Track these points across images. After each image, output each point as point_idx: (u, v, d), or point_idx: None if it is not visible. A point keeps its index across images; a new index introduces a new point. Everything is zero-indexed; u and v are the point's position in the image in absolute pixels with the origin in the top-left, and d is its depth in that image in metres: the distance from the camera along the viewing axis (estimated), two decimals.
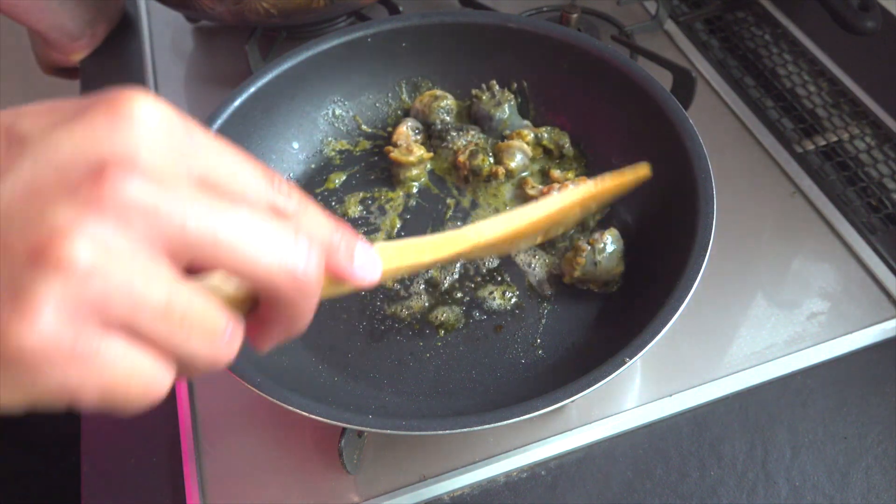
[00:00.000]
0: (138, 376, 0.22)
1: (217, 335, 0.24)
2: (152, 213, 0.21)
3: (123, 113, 0.22)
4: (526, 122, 0.62)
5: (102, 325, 0.20)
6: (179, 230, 0.21)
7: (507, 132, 0.61)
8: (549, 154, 0.60)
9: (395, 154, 0.59)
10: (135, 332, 0.21)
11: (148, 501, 0.51)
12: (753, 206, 0.60)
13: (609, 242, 0.50)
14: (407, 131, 0.61)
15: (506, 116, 0.61)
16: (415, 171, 0.60)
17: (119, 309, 0.20)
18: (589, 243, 0.50)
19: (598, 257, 0.50)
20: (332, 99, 0.63)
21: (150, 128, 0.22)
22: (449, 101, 0.62)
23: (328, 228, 0.27)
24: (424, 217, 0.59)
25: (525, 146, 0.59)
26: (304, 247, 0.24)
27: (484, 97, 0.61)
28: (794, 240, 0.58)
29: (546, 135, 0.60)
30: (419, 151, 0.59)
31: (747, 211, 0.60)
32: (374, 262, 0.29)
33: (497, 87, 0.61)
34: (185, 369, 0.24)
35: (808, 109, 0.68)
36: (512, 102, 0.61)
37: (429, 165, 0.61)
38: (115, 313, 0.20)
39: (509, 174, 0.58)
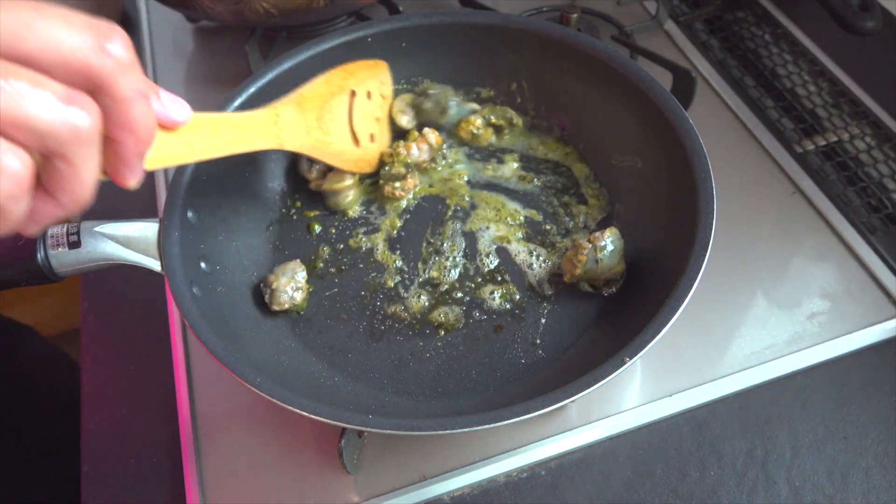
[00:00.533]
0: None
1: (50, 88, 0.24)
2: None
3: None
4: (473, 105, 0.63)
5: None
6: None
7: (455, 127, 0.62)
8: (499, 130, 0.62)
9: (327, 184, 0.59)
10: None
11: (148, 501, 0.51)
12: (753, 206, 0.60)
13: (610, 241, 0.50)
14: (319, 170, 0.60)
15: (454, 114, 0.62)
16: (349, 197, 0.59)
17: None
18: (590, 241, 0.50)
19: (600, 255, 0.50)
20: None
21: None
22: (408, 98, 0.63)
23: (139, 80, 0.28)
24: (425, 217, 0.59)
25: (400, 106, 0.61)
26: (82, 103, 0.25)
27: (427, 107, 0.61)
28: (793, 239, 0.58)
29: (491, 116, 0.61)
30: (349, 177, 0.59)
31: (747, 211, 0.60)
32: (182, 104, 0.34)
33: (432, 90, 0.62)
34: (42, 142, 0.24)
35: (808, 109, 0.68)
36: (451, 95, 0.62)
37: (356, 192, 0.60)
38: None
39: (411, 162, 0.60)
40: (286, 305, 0.52)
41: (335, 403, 0.44)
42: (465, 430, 0.39)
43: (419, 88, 0.63)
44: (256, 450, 0.51)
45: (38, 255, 0.44)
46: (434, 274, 0.55)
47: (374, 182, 0.60)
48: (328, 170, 0.59)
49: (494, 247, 0.56)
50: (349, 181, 0.59)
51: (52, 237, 0.45)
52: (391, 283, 0.55)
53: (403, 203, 0.59)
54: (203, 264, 0.50)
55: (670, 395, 0.51)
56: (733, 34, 0.75)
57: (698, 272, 0.43)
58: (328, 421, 0.40)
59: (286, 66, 0.58)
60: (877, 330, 0.53)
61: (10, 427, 0.77)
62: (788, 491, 0.47)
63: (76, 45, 0.24)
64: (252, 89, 0.56)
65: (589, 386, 0.39)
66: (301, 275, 0.53)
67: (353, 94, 0.57)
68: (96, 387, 0.56)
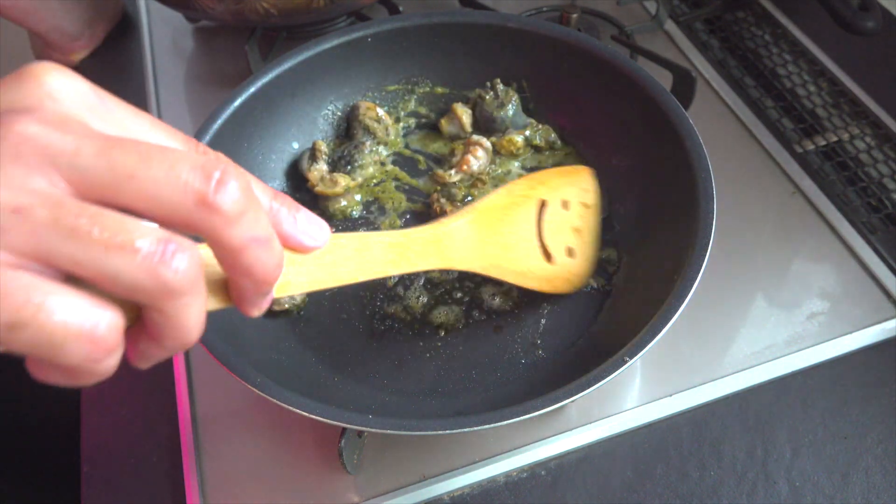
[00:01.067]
0: (68, 313, 0.21)
1: (134, 244, 0.21)
2: (45, 144, 0.21)
3: (31, 75, 0.23)
4: (530, 120, 0.62)
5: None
6: (72, 158, 0.21)
7: (494, 138, 0.61)
8: (539, 151, 0.61)
9: (319, 188, 0.58)
10: (46, 262, 0.21)
11: (148, 501, 0.51)
12: (753, 206, 0.60)
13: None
14: (321, 170, 0.59)
15: (510, 116, 0.61)
16: (343, 202, 0.59)
17: (15, 231, 0.20)
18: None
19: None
20: (331, 99, 0.63)
21: (55, 88, 0.23)
22: (382, 115, 0.63)
23: (265, 194, 0.26)
24: (425, 217, 0.59)
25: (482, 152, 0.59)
26: (217, 173, 0.22)
27: (487, 98, 0.61)
28: (794, 240, 0.58)
29: (537, 135, 0.60)
30: (343, 181, 0.58)
31: (747, 211, 0.60)
32: (320, 226, 0.29)
33: (501, 86, 0.61)
34: (132, 296, 0.22)
35: (808, 109, 0.68)
36: (516, 101, 0.61)
37: (357, 195, 0.60)
38: (9, 239, 0.20)
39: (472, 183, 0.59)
40: (286, 305, 0.52)
41: (335, 403, 0.44)
42: (465, 430, 0.39)
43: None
44: (256, 450, 0.51)
45: None
46: (434, 274, 0.55)
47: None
48: (331, 171, 0.59)
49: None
50: (341, 186, 0.58)
51: None
52: (391, 283, 0.55)
53: (402, 203, 0.59)
54: None
55: (670, 395, 0.51)
56: (733, 34, 0.75)
57: (698, 272, 0.43)
58: (328, 421, 0.40)
59: (286, 66, 0.58)
60: (877, 330, 0.53)
61: (10, 427, 0.77)
62: (788, 491, 0.47)
63: (177, 198, 0.22)
64: (252, 89, 0.56)
65: (589, 386, 0.39)
66: None
67: (543, 203, 0.50)
68: (96, 387, 0.56)
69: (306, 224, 0.28)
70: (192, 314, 0.23)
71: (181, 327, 0.23)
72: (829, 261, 0.57)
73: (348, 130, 0.63)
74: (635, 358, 0.40)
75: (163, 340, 0.24)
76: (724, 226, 0.57)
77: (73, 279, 0.22)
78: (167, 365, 0.55)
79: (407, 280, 0.55)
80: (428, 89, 0.64)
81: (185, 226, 0.23)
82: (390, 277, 0.55)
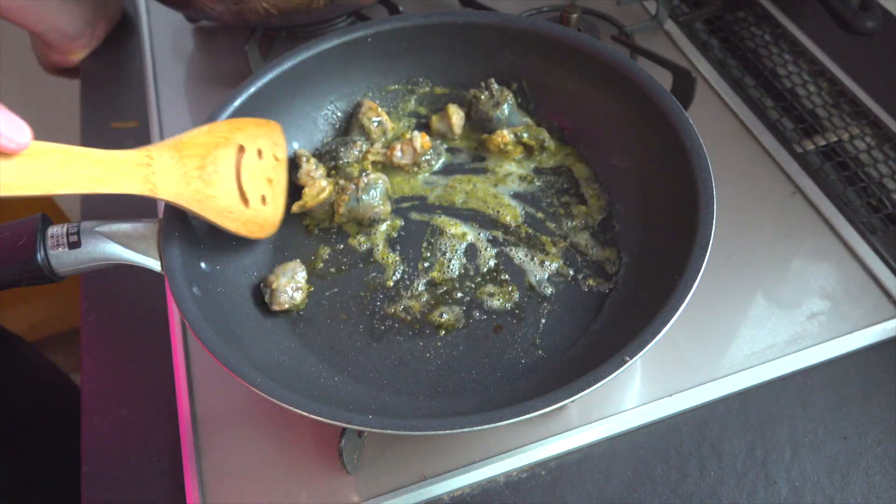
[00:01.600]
0: None
1: None
2: None
3: None
4: (526, 119, 0.62)
5: None
6: None
7: (485, 136, 0.61)
8: (529, 150, 0.61)
9: (305, 202, 0.57)
10: None
11: (148, 501, 0.51)
12: (753, 206, 0.60)
13: (371, 181, 0.56)
14: (309, 169, 0.59)
15: (505, 116, 0.61)
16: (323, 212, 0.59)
17: None
18: (354, 183, 0.56)
19: (361, 195, 0.55)
20: (331, 99, 0.63)
21: None
22: (382, 117, 0.62)
23: None
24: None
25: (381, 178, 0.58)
26: None
27: (482, 97, 0.61)
28: (794, 240, 0.58)
29: (525, 133, 0.60)
30: (324, 184, 0.58)
31: (747, 211, 0.60)
32: (21, 128, 0.29)
33: (496, 85, 0.61)
34: None
35: (808, 109, 0.68)
36: (511, 101, 0.61)
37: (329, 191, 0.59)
38: None
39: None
40: (286, 305, 0.52)
41: (335, 403, 0.44)
42: (465, 430, 0.39)
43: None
44: (256, 450, 0.51)
45: (38, 255, 0.44)
46: (434, 274, 0.55)
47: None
48: (317, 165, 0.59)
49: (494, 247, 0.56)
50: (325, 193, 0.57)
51: (52, 237, 0.45)
52: (391, 283, 0.55)
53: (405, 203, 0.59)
54: (203, 264, 0.50)
55: (670, 395, 0.51)
56: (733, 34, 0.75)
57: (698, 272, 0.43)
58: (328, 421, 0.40)
59: (286, 66, 0.58)
60: (877, 330, 0.53)
61: (10, 426, 0.77)
62: (788, 491, 0.47)
63: None
64: (252, 89, 0.56)
65: (589, 386, 0.39)
66: (301, 275, 0.53)
67: (241, 149, 0.52)
68: (96, 387, 0.56)
69: (5, 124, 0.28)
70: None
71: None
72: (829, 261, 0.57)
73: (347, 128, 0.63)
74: (635, 358, 0.40)
75: None
76: (724, 226, 0.57)
77: None
78: (167, 365, 0.55)
79: (407, 280, 0.55)
80: (428, 89, 0.64)
81: None
82: (391, 277, 0.55)
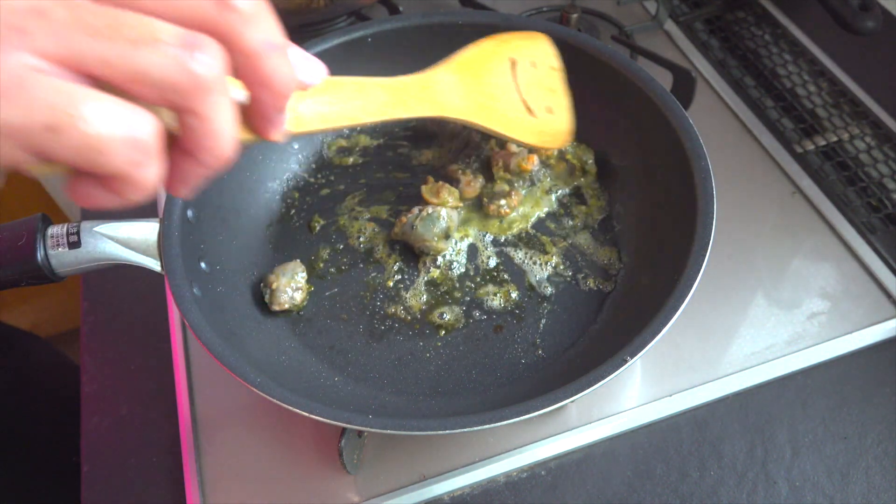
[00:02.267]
0: (106, 114, 0.21)
1: (161, 38, 0.21)
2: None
3: None
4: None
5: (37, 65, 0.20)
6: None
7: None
8: (571, 170, 0.59)
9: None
10: (75, 65, 0.21)
11: (148, 501, 0.51)
12: (753, 206, 0.60)
13: (433, 215, 0.53)
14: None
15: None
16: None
17: (40, 32, 0.20)
18: (421, 208, 0.55)
19: (416, 222, 0.53)
20: None
21: None
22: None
23: (269, 32, 0.25)
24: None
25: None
26: (201, 48, 0.22)
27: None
28: (794, 240, 0.58)
29: (571, 150, 0.58)
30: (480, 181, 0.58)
31: (747, 211, 0.60)
32: (316, 63, 0.29)
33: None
34: (163, 95, 0.22)
35: (808, 109, 0.68)
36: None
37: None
38: (35, 41, 0.20)
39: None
40: (286, 305, 0.52)
41: (335, 403, 0.44)
42: (465, 430, 0.39)
43: None
44: (256, 450, 0.51)
45: (38, 254, 0.44)
46: (434, 274, 0.55)
47: (475, 202, 0.58)
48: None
49: (494, 247, 0.56)
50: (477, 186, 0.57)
51: (52, 237, 0.45)
52: (391, 283, 0.55)
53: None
54: (203, 264, 0.50)
55: (670, 395, 0.51)
56: (733, 34, 0.75)
57: (698, 272, 0.43)
58: (328, 421, 0.40)
59: None
60: (877, 330, 0.53)
61: (10, 428, 0.77)
62: (788, 491, 0.47)
63: (195, 2, 0.22)
64: None
65: (589, 386, 0.39)
66: (301, 275, 0.54)
67: (513, 62, 0.53)
68: (96, 387, 0.56)
69: (303, 60, 0.28)
70: (224, 115, 0.23)
71: (216, 132, 0.23)
72: (829, 261, 0.57)
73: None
74: (635, 358, 0.40)
75: (199, 152, 0.24)
76: (724, 226, 0.57)
77: (105, 88, 0.22)
78: (167, 365, 0.55)
79: (407, 280, 0.55)
80: None
81: (205, 26, 0.22)
82: (391, 277, 0.55)
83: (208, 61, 0.22)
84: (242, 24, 0.23)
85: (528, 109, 0.52)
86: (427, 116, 0.45)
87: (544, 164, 0.58)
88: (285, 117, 0.28)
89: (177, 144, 0.24)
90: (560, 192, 0.59)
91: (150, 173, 0.23)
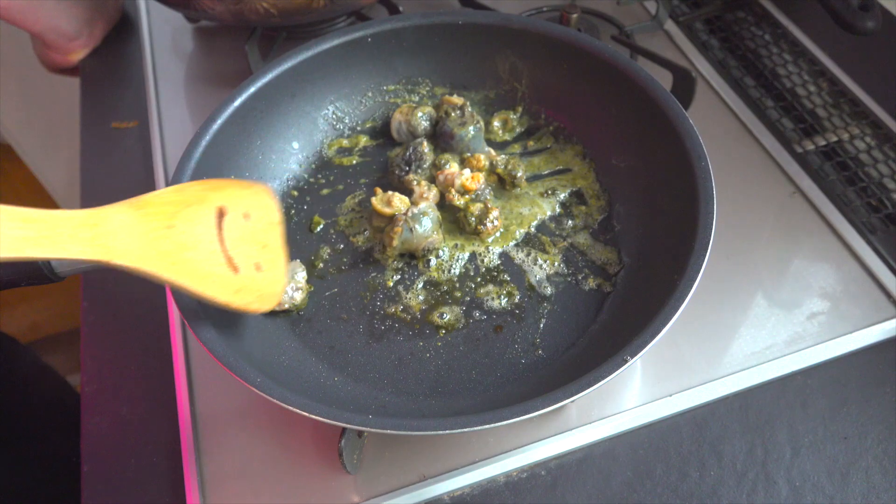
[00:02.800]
0: None
1: None
2: None
3: None
4: (488, 149, 0.61)
5: None
6: None
7: (467, 154, 0.60)
8: (501, 182, 0.59)
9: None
10: None
11: (148, 501, 0.51)
12: (753, 206, 0.60)
13: (421, 211, 0.53)
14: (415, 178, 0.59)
15: (468, 137, 0.60)
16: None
17: None
18: (404, 213, 0.53)
19: (414, 225, 0.53)
20: (331, 99, 0.63)
21: None
22: (429, 109, 0.62)
23: None
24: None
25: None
26: None
27: (453, 115, 0.60)
28: (794, 240, 0.58)
29: (501, 164, 0.59)
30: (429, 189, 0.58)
31: (747, 211, 0.60)
32: None
33: (469, 109, 0.61)
34: None
35: (808, 109, 0.68)
36: (479, 126, 0.60)
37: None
38: None
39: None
40: (286, 305, 0.52)
41: (335, 403, 0.44)
42: (465, 430, 0.39)
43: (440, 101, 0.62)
44: (256, 450, 0.51)
45: None
46: (434, 274, 0.55)
47: (458, 226, 0.58)
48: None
49: (495, 247, 0.56)
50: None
51: None
52: (391, 283, 0.55)
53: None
54: None
55: (670, 395, 0.51)
56: (733, 34, 0.75)
57: (698, 272, 0.43)
58: (328, 421, 0.40)
59: (286, 66, 0.58)
60: (877, 330, 0.53)
61: (9, 426, 0.77)
62: (788, 491, 0.47)
63: None
64: (252, 89, 0.56)
65: (589, 386, 0.39)
66: (301, 275, 0.53)
67: (221, 211, 0.46)
68: (96, 387, 0.56)
69: None
70: None
71: None
72: (829, 261, 0.57)
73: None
74: (635, 358, 0.40)
75: None
76: (724, 226, 0.57)
77: None
78: (167, 365, 0.55)
79: (407, 280, 0.55)
80: (428, 89, 0.64)
81: None
82: (391, 278, 0.55)
83: None
84: None
85: (231, 265, 0.45)
86: (87, 260, 0.37)
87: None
88: None
89: None
90: (562, 195, 0.59)
91: None
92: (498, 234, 0.56)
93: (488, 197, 0.58)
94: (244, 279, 0.46)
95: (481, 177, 0.58)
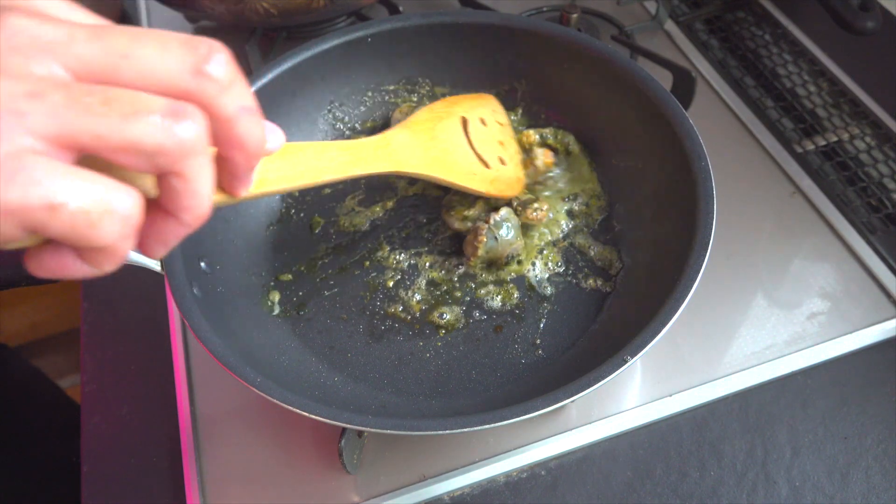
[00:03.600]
0: (101, 192, 0.22)
1: (150, 109, 0.23)
2: (37, 34, 0.23)
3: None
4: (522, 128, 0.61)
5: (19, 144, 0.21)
6: (67, 45, 0.23)
7: (520, 130, 0.60)
8: (555, 153, 0.59)
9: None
10: (69, 142, 0.22)
11: (148, 501, 0.51)
12: (753, 206, 0.60)
13: (503, 217, 0.53)
14: None
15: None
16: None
17: (36, 114, 0.21)
18: (485, 222, 0.53)
19: (498, 233, 0.52)
20: (331, 99, 0.63)
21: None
22: None
23: (242, 97, 0.27)
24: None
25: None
26: (204, 47, 0.25)
27: None
28: (794, 240, 0.58)
29: (550, 135, 0.59)
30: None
31: (747, 211, 0.60)
32: (274, 129, 0.32)
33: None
34: (153, 162, 0.23)
35: (808, 109, 0.68)
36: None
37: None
38: (32, 122, 0.21)
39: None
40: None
41: (335, 403, 0.44)
42: (465, 430, 0.39)
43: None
44: (256, 450, 0.51)
45: None
46: (434, 274, 0.55)
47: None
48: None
49: None
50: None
51: None
52: (391, 283, 0.55)
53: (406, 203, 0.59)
54: (203, 264, 0.50)
55: (670, 395, 0.51)
56: (733, 34, 0.75)
57: (698, 272, 0.43)
58: (328, 421, 0.40)
59: (286, 66, 0.58)
60: (877, 330, 0.53)
61: (9, 426, 0.77)
62: (788, 491, 0.47)
63: (173, 71, 0.24)
64: (252, 89, 0.56)
65: (589, 386, 0.39)
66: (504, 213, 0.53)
67: (464, 120, 0.56)
68: (96, 387, 0.56)
69: (267, 130, 0.31)
70: (206, 176, 0.25)
71: (198, 192, 0.25)
72: (829, 261, 0.57)
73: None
74: (635, 358, 0.40)
75: (182, 211, 0.25)
76: (724, 226, 0.57)
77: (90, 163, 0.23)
78: (167, 365, 0.55)
79: (407, 280, 0.55)
80: (428, 89, 0.64)
81: (186, 95, 0.24)
82: (391, 278, 0.55)
83: (193, 126, 0.24)
84: (219, 91, 0.25)
85: (482, 161, 0.55)
86: (385, 172, 0.47)
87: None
88: (253, 177, 0.30)
89: (155, 209, 0.26)
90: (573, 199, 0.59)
91: (129, 244, 0.25)
92: (542, 227, 0.57)
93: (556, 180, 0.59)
94: (495, 172, 0.55)
95: (550, 154, 0.59)
